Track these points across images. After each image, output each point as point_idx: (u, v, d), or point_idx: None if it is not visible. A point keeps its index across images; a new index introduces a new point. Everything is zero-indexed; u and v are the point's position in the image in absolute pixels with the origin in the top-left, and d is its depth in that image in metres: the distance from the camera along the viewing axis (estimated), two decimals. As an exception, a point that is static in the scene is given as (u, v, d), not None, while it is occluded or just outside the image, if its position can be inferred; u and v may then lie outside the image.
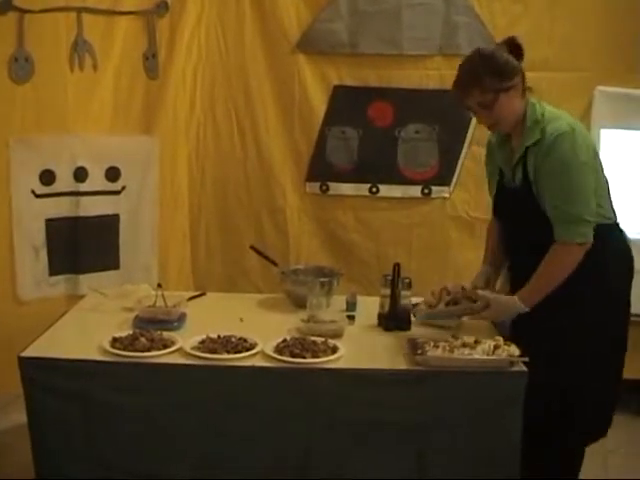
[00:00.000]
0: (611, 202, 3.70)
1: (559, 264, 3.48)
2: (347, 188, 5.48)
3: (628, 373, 5.49)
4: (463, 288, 3.78)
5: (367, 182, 5.46)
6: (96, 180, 5.04)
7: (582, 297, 3.53)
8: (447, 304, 3.61)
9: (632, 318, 4.30)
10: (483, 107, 3.52)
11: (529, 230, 3.64)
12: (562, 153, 3.42)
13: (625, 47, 5.24)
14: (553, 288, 3.48)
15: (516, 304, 3.52)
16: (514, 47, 3.55)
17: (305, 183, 5.50)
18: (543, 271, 3.49)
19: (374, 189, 5.46)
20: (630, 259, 3.69)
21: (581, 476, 4.17)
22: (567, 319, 3.54)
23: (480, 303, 3.60)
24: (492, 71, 3.47)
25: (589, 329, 3.56)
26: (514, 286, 3.74)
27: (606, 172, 3.68)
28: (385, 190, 5.46)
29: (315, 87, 5.38)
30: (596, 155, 3.60)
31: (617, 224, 3.70)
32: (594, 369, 3.61)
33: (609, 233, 3.60)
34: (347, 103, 5.38)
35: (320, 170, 5.47)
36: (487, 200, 4.05)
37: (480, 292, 3.67)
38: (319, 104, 5.39)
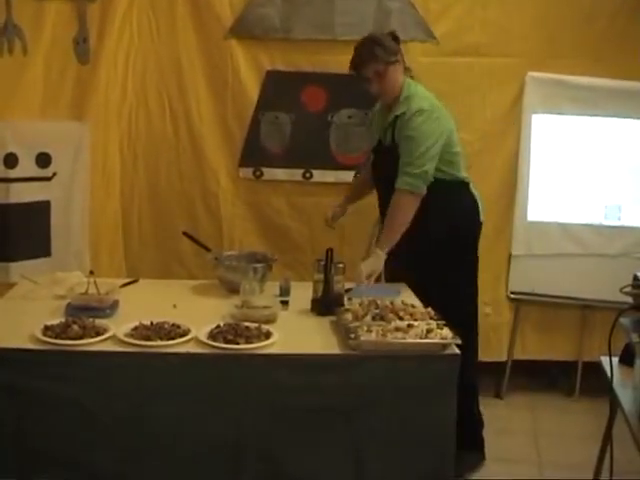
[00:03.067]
0: (462, 167, 4.52)
1: (397, 208, 4.28)
2: (280, 173, 5.47)
3: (557, 355, 5.63)
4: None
5: (300, 167, 5.46)
6: (26, 166, 4.96)
7: (436, 235, 4.35)
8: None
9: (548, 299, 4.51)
10: (377, 76, 4.33)
11: (388, 178, 4.33)
12: (416, 124, 4.26)
13: (556, 33, 5.31)
14: (400, 231, 4.25)
15: (376, 251, 4.26)
16: (394, 38, 4.42)
17: (238, 168, 5.48)
18: (387, 219, 4.30)
19: (307, 174, 5.46)
20: (477, 212, 4.54)
21: (512, 457, 4.26)
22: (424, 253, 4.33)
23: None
24: (382, 47, 4.32)
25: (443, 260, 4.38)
26: None
27: (459, 147, 4.49)
28: (318, 175, 5.47)
29: (248, 72, 5.36)
30: (450, 132, 4.40)
31: (467, 183, 4.54)
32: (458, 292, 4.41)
33: (459, 188, 4.50)
34: (280, 88, 5.37)
35: (253, 155, 5.46)
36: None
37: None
38: (252, 89, 5.37)
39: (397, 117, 4.34)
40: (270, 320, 3.70)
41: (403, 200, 4.25)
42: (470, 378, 4.30)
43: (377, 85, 4.36)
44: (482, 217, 4.56)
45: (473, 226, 4.55)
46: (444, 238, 4.36)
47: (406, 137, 4.27)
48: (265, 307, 3.76)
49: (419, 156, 4.22)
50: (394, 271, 4.47)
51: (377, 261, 4.23)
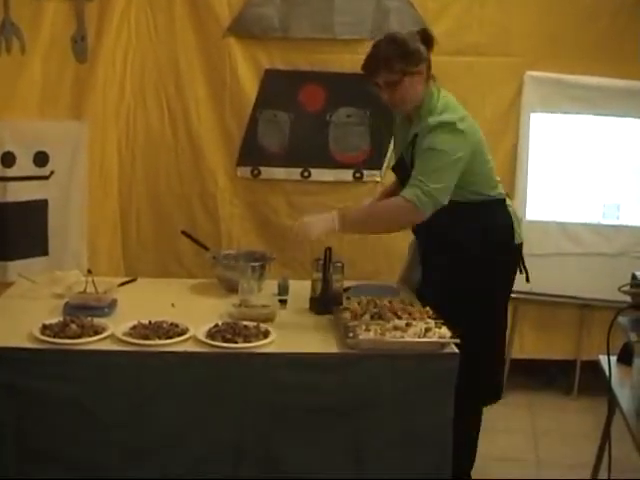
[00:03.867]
0: (497, 184, 4.03)
1: (392, 211, 3.79)
2: (279, 172, 5.47)
3: (556, 354, 5.63)
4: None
5: (299, 166, 5.45)
6: (24, 165, 4.95)
7: (471, 257, 3.88)
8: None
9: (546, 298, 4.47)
10: (388, 86, 3.81)
11: None
12: (434, 137, 3.71)
13: (555, 32, 5.31)
14: (374, 232, 3.98)
15: (331, 218, 3.75)
16: (426, 38, 3.86)
17: (236, 167, 5.48)
18: (375, 211, 3.91)
19: (306, 173, 5.46)
20: (511, 233, 4.00)
21: (510, 456, 4.24)
22: (456, 274, 3.89)
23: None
24: (401, 54, 3.76)
25: (474, 282, 3.89)
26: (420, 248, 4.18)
27: (489, 158, 3.98)
28: (317, 174, 5.46)
29: (246, 71, 5.35)
30: (476, 147, 3.84)
31: (501, 200, 4.01)
32: (481, 325, 3.89)
33: (492, 207, 3.96)
34: (278, 87, 5.36)
35: (251, 154, 5.45)
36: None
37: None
38: (250, 88, 5.36)
39: (417, 134, 3.83)
40: (269, 319, 3.70)
41: (403, 210, 3.70)
42: (473, 413, 4.08)
43: (387, 95, 3.85)
44: (519, 238, 4.04)
45: (507, 249, 4.02)
46: (477, 266, 3.89)
47: (423, 151, 3.73)
48: (264, 306, 3.76)
49: (435, 171, 3.68)
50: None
51: (327, 225, 3.76)
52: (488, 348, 4.02)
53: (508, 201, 4.09)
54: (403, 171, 3.97)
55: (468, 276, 3.88)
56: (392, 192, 4.15)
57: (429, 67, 3.87)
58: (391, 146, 4.89)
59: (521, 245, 4.06)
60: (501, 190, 4.04)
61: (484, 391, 4.07)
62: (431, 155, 3.71)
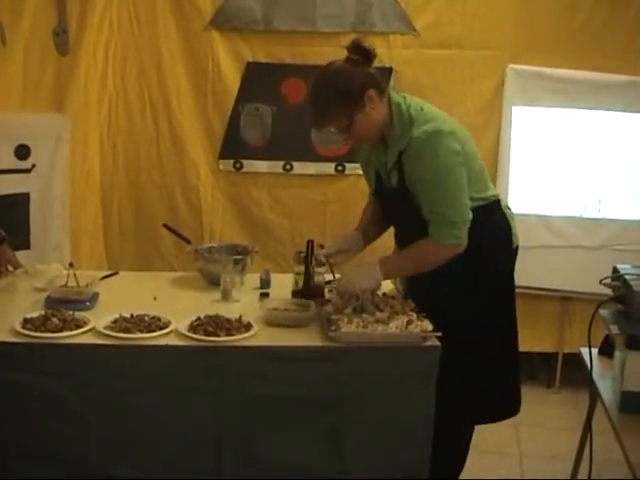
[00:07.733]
0: (488, 184, 3.73)
1: (427, 258, 3.53)
2: (261, 165, 5.48)
3: (538, 347, 5.64)
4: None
5: (281, 159, 5.47)
6: (5, 158, 4.93)
7: (465, 275, 3.60)
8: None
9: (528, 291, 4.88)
10: (341, 131, 3.50)
11: (407, 226, 3.71)
12: (430, 158, 3.40)
13: (536, 26, 5.34)
14: (413, 273, 3.68)
15: (375, 268, 3.58)
16: (361, 53, 3.47)
17: (218, 160, 5.48)
18: (412, 254, 3.58)
19: (288, 166, 5.46)
20: (509, 237, 3.75)
21: (493, 448, 4.24)
22: (454, 295, 3.64)
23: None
24: (341, 100, 3.41)
25: (476, 303, 3.67)
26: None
27: (478, 159, 3.67)
28: (299, 167, 5.48)
29: (228, 64, 5.36)
30: (467, 146, 3.54)
31: (496, 201, 3.73)
32: (486, 346, 3.70)
33: (487, 211, 3.63)
34: (260, 80, 5.38)
35: (234, 147, 5.46)
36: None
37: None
38: (232, 81, 5.38)
39: (401, 153, 3.49)
40: (303, 324, 3.61)
41: (446, 251, 3.46)
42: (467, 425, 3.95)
43: (344, 137, 3.61)
44: (515, 241, 3.80)
45: (503, 254, 3.78)
46: (472, 277, 3.63)
47: (424, 180, 3.44)
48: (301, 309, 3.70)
49: (454, 196, 3.43)
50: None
51: (372, 278, 3.60)
52: (504, 357, 3.86)
53: (503, 202, 3.80)
54: (388, 196, 3.73)
55: (466, 296, 3.67)
56: (373, 212, 4.00)
57: (378, 84, 3.48)
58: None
59: (517, 248, 3.83)
60: (494, 191, 3.77)
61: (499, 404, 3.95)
62: (434, 185, 3.42)
